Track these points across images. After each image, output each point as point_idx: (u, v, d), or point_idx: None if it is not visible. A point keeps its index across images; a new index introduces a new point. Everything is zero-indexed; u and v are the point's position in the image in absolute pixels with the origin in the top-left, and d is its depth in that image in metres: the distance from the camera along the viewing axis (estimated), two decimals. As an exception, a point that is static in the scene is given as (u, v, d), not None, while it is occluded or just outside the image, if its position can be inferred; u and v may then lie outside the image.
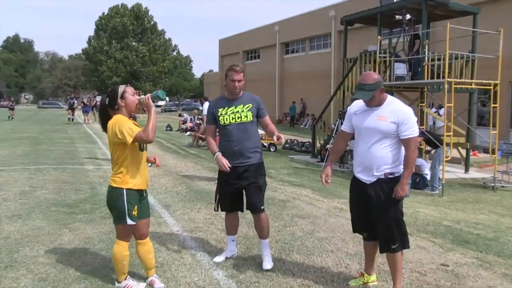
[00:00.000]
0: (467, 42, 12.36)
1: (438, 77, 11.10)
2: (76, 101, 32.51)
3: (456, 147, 12.19)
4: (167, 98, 78.62)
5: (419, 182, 9.97)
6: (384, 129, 3.61)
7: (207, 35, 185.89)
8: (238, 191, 4.40)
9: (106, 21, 53.48)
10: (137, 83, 51.15)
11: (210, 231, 5.69)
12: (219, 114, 4.33)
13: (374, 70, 12.10)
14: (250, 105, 4.31)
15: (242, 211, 4.59)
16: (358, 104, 3.84)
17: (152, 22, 54.86)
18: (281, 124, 33.43)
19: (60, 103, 73.22)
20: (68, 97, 34.25)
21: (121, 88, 3.72)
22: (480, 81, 10.79)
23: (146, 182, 3.78)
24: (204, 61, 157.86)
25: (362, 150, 3.75)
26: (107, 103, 3.72)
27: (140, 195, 3.73)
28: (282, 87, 37.15)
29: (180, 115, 28.18)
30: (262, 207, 4.37)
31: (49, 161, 11.62)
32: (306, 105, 33.40)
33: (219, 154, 4.28)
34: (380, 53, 11.77)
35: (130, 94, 3.70)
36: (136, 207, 3.67)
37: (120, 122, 3.57)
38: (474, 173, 12.24)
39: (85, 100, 35.97)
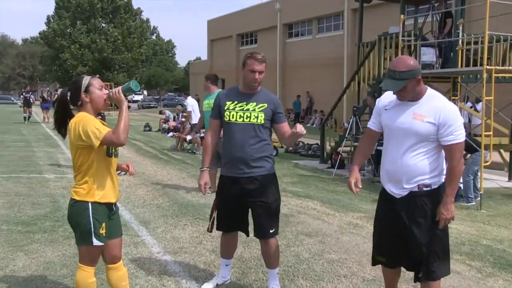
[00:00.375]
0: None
1: (475, 64, 11.12)
2: (33, 96, 32.43)
3: (498, 149, 12.20)
4: (145, 92, 78.74)
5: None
6: (420, 131, 3.50)
7: (193, 15, 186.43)
8: (242, 208, 4.34)
9: (69, -3, 53.38)
10: (108, 73, 51.24)
11: (198, 253, 5.69)
12: (225, 107, 4.29)
13: (397, 55, 12.12)
14: (265, 105, 4.24)
15: (246, 234, 4.49)
16: (390, 97, 3.73)
17: (125, -1, 54.91)
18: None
19: (12, 98, 73.22)
20: (23, 91, 34.18)
21: (85, 79, 3.70)
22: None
23: (116, 194, 3.76)
24: (190, 46, 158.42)
25: (391, 156, 3.65)
26: (68, 97, 3.70)
27: (109, 209, 3.72)
28: (284, 78, 37.24)
29: (161, 112, 28.19)
30: (271, 231, 4.29)
31: (0, 168, 11.59)
32: (313, 99, 33.49)
33: (205, 171, 4.32)
34: (403, 35, 11.79)
35: (96, 87, 3.68)
36: (104, 225, 3.66)
37: (85, 121, 3.53)
38: (518, 181, 12.25)
39: (44, 95, 35.90)
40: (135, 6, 56.75)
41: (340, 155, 13.73)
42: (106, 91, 3.72)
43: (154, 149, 17.07)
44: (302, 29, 36.23)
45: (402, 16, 11.79)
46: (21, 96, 31.26)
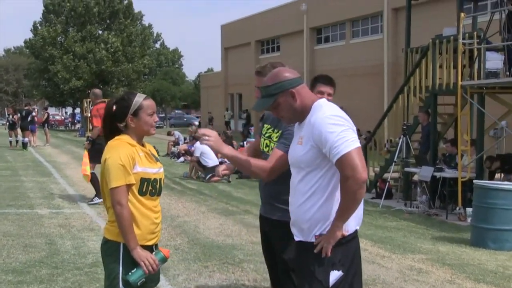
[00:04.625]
0: None
1: None
2: (34, 113, 32.14)
3: None
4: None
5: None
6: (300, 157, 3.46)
7: (203, 19, 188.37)
8: (272, 255, 4.17)
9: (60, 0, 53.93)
10: (105, 87, 51.49)
11: (231, 308, 5.48)
12: (262, 131, 4.26)
13: (455, 62, 11.90)
14: (280, 131, 4.05)
15: None
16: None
17: (125, 1, 55.40)
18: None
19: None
20: (7, 113, 33.95)
21: (137, 100, 3.71)
22: None
23: (156, 236, 3.77)
24: (200, 56, 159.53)
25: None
26: (113, 110, 3.73)
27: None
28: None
29: (169, 134, 28.06)
30: None
31: (-15, 202, 11.49)
32: (349, 115, 33.30)
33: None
34: (463, 38, 11.56)
35: (147, 112, 3.70)
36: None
37: (117, 151, 3.58)
38: None
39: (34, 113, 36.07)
40: (136, 10, 57.13)
41: (388, 183, 13.47)
42: (157, 119, 3.79)
43: (164, 177, 16.92)
44: (333, 33, 36.22)
45: (462, 14, 11.59)
46: (8, 120, 31.04)
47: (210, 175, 15.84)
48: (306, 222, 3.31)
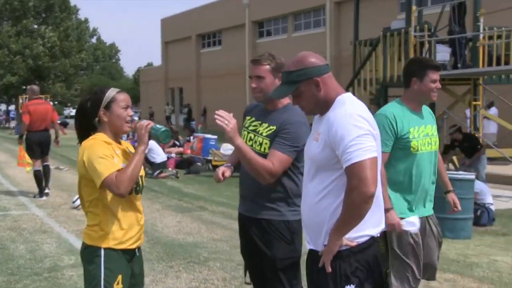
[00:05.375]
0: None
1: (499, 62, 11.17)
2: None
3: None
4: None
5: (481, 216, 9.82)
6: (315, 155, 3.18)
7: (141, 12, 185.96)
8: (254, 256, 3.95)
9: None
10: (42, 83, 50.03)
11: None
12: (243, 123, 4.02)
13: (406, 55, 12.00)
14: (274, 127, 3.79)
15: None
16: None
17: (61, -6, 53.94)
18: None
19: None
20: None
21: (109, 93, 3.51)
22: None
23: (139, 238, 3.58)
24: (139, 50, 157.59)
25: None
26: (88, 106, 3.54)
27: (129, 256, 3.53)
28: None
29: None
30: None
31: None
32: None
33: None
34: (414, 30, 11.68)
35: (120, 105, 3.50)
36: (119, 277, 3.45)
37: (95, 147, 3.36)
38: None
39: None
40: (71, 3, 55.72)
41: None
42: (131, 113, 3.53)
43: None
44: (275, 27, 36.29)
45: (413, 7, 11.71)
46: None
47: (158, 171, 15.57)
48: (317, 226, 3.02)
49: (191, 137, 20.31)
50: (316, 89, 2.99)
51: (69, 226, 8.75)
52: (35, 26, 53.04)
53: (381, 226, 3.05)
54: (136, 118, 3.61)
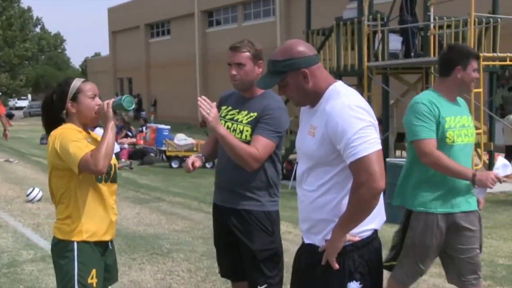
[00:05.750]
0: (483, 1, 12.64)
1: None
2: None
3: (475, 149, 12.43)
4: (29, 96, 75.86)
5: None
6: (311, 151, 2.96)
7: (87, 1, 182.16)
8: (232, 247, 3.90)
9: None
10: (-15, 74, 48.70)
11: (172, 301, 5.26)
12: (220, 113, 3.89)
13: (359, 43, 12.11)
14: (255, 114, 3.74)
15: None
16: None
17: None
18: (206, 127, 33.12)
19: None
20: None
21: (74, 84, 3.42)
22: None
23: (112, 229, 3.51)
24: (85, 40, 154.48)
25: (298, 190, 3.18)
26: (54, 99, 3.45)
27: (102, 249, 3.47)
28: (206, 75, 36.92)
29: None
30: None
31: None
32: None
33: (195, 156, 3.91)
34: (368, 20, 11.78)
35: (87, 95, 3.41)
36: (94, 272, 3.37)
37: (65, 135, 3.26)
38: (504, 185, 12.48)
39: None
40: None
41: (295, 164, 13.55)
42: (99, 102, 3.42)
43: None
44: (224, 16, 36.08)
45: (370, -5, 11.79)
46: None
47: None
48: (316, 222, 2.89)
49: (144, 128, 20.08)
50: (304, 81, 2.83)
51: (25, 220, 8.53)
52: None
53: (383, 219, 2.93)
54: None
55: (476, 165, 10.07)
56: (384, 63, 11.80)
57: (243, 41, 3.77)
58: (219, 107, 3.92)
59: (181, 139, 16.52)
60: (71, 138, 3.23)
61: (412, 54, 11.68)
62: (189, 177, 14.30)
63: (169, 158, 16.56)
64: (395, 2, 12.64)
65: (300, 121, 3.11)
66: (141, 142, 18.68)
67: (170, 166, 16.21)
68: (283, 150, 14.54)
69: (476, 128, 11.05)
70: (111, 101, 3.38)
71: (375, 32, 12.13)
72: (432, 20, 11.66)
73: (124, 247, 7.07)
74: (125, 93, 48.52)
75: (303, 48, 2.84)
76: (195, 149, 16.42)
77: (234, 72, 3.72)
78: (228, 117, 3.85)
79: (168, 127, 18.45)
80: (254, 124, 3.69)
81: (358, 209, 2.71)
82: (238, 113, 3.81)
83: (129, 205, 9.99)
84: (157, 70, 42.48)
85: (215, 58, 35.82)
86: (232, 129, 3.76)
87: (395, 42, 12.49)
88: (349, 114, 2.71)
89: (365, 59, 11.69)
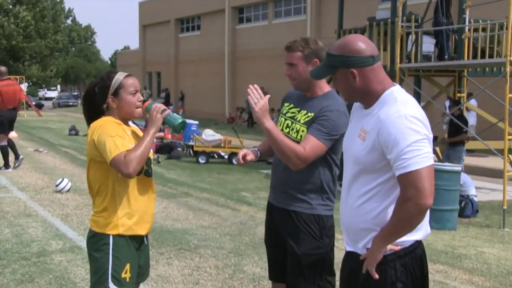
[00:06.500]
0: None
1: (483, 54, 11.23)
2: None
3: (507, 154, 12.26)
4: (58, 87, 76.62)
5: (465, 208, 9.90)
6: (359, 156, 2.85)
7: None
8: (281, 248, 3.80)
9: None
10: (17, 64, 49.24)
11: (198, 297, 5.26)
12: (282, 109, 3.87)
13: (392, 44, 11.99)
14: (312, 114, 3.64)
15: None
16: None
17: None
18: (234, 123, 33.09)
19: None
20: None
21: (116, 79, 3.42)
22: None
23: (149, 224, 3.49)
24: (115, 33, 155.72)
25: (342, 197, 3.04)
26: (95, 92, 3.46)
27: (137, 244, 3.46)
28: (235, 71, 36.94)
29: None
30: None
31: None
32: (270, 96, 33.32)
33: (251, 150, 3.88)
34: (402, 21, 11.65)
35: (129, 91, 3.40)
36: (128, 266, 3.37)
37: (104, 128, 3.27)
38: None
39: None
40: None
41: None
42: (141, 98, 3.43)
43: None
44: (255, 13, 36.04)
45: (403, -4, 11.65)
46: None
47: None
48: (358, 229, 2.85)
49: (170, 123, 20.13)
50: (353, 80, 2.76)
51: (54, 210, 8.58)
52: (10, 7, 52.06)
53: (427, 231, 2.86)
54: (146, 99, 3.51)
55: (508, 172, 9.92)
56: (417, 65, 11.68)
57: (297, 40, 3.69)
58: (282, 103, 3.88)
59: (209, 134, 16.51)
60: (110, 133, 3.23)
61: (446, 56, 11.53)
62: (215, 173, 14.33)
63: (196, 153, 16.58)
64: (430, 3, 12.47)
65: (350, 119, 3.04)
66: (169, 136, 18.71)
67: (197, 161, 16.23)
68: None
69: (510, 134, 10.99)
70: (167, 111, 3.37)
71: (408, 34, 12.00)
72: (467, 23, 11.50)
73: (151, 241, 6.98)
74: (154, 87, 48.85)
75: (359, 46, 2.75)
76: (222, 145, 16.45)
77: (287, 73, 3.68)
78: (288, 114, 3.77)
79: (196, 122, 18.47)
80: (310, 125, 3.61)
81: (402, 223, 2.65)
82: (299, 112, 3.72)
83: (156, 199, 9.96)
84: (186, 65, 42.62)
85: (244, 55, 35.86)
86: (291, 127, 3.69)
87: (428, 44, 12.35)
88: (404, 124, 2.62)
89: (398, 60, 11.55)
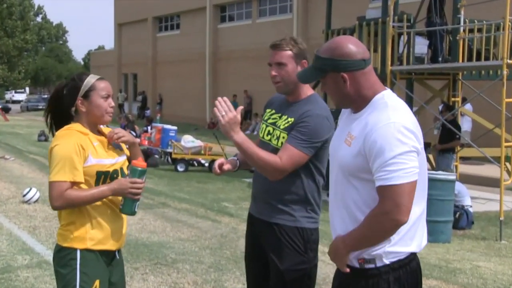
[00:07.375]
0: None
1: (478, 57, 11.32)
2: None
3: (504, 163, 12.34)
4: (27, 90, 76.17)
5: (460, 219, 9.94)
6: (345, 162, 2.84)
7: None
8: (262, 262, 3.76)
9: None
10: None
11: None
12: (263, 116, 3.85)
13: (383, 45, 12.05)
14: (292, 119, 3.60)
15: None
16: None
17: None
18: (215, 129, 33.03)
19: None
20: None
21: (88, 80, 3.39)
22: None
23: (120, 238, 3.47)
24: (88, 32, 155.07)
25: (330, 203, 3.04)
26: (63, 94, 3.42)
27: (108, 259, 3.43)
28: (216, 73, 36.92)
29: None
30: None
31: None
32: (253, 100, 33.25)
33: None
34: (393, 20, 11.71)
35: (100, 94, 3.38)
36: (97, 282, 3.33)
37: (64, 145, 3.24)
38: None
39: None
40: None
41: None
42: (112, 104, 3.41)
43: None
44: (238, 11, 36.04)
45: (393, -5, 11.73)
46: None
47: None
48: None
49: (149, 128, 20.05)
50: (343, 85, 2.76)
51: (20, 222, 8.52)
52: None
53: (424, 242, 2.83)
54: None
55: (505, 181, 9.98)
56: (409, 67, 11.74)
57: (285, 38, 3.64)
58: (264, 110, 3.87)
59: (188, 141, 16.49)
60: (67, 153, 3.20)
61: (440, 58, 11.60)
62: (195, 181, 14.31)
63: (175, 161, 16.55)
64: (423, 2, 12.56)
65: (338, 123, 3.03)
66: (146, 142, 18.63)
67: (176, 170, 16.19)
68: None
69: (506, 140, 11.07)
70: (143, 186, 3.32)
71: (400, 34, 12.07)
72: (462, 23, 11.58)
73: (125, 255, 6.98)
74: (130, 90, 48.69)
75: (349, 49, 2.73)
76: (203, 152, 16.43)
77: (274, 73, 3.60)
78: (270, 121, 3.75)
79: (175, 127, 18.42)
80: (290, 131, 3.56)
81: (373, 234, 2.67)
82: (280, 117, 3.69)
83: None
84: (164, 66, 42.53)
85: (226, 56, 35.85)
86: (272, 134, 3.66)
87: (421, 46, 12.43)
88: (392, 134, 2.61)
89: (389, 62, 11.60)
